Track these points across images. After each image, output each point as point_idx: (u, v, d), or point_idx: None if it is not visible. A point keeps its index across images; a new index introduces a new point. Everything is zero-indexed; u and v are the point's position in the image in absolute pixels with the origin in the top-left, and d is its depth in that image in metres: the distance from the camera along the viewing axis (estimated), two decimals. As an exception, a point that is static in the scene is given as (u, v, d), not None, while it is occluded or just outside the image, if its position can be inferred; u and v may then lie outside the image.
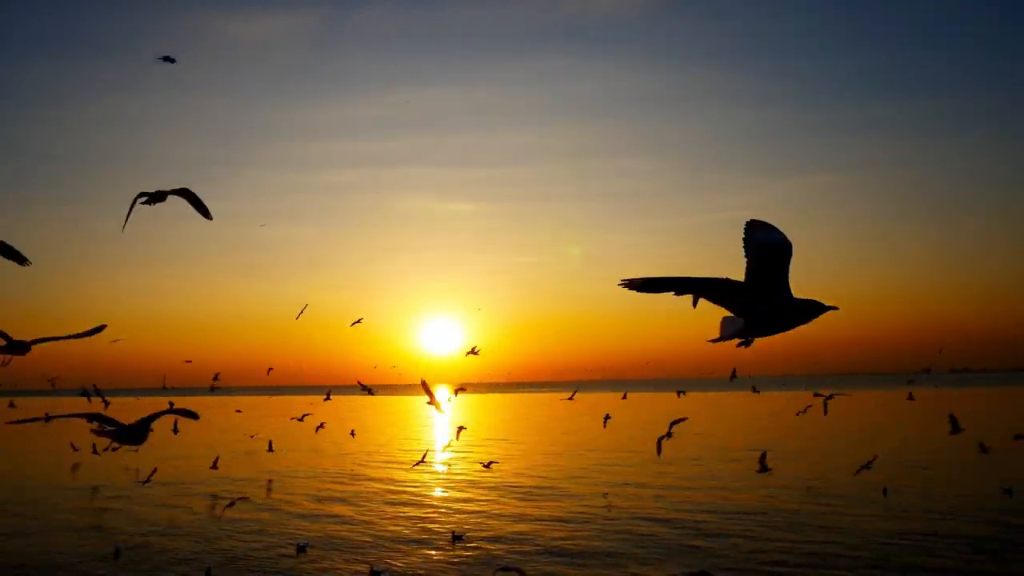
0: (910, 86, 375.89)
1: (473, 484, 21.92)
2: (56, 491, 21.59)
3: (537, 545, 14.08)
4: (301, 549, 13.53)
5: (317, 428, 30.23)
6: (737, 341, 3.56)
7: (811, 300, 3.41)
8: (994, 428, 31.10)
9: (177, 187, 5.62)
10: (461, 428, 26.06)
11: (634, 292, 3.13)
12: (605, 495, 19.16)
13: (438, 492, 21.02)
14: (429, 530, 15.65)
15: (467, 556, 13.43)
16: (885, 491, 17.95)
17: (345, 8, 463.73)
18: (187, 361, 20.69)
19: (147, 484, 19.28)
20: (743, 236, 3.55)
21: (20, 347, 5.67)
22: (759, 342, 3.60)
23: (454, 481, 23.08)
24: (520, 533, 15.12)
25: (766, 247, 3.46)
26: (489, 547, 13.97)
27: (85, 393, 17.96)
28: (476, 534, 15.05)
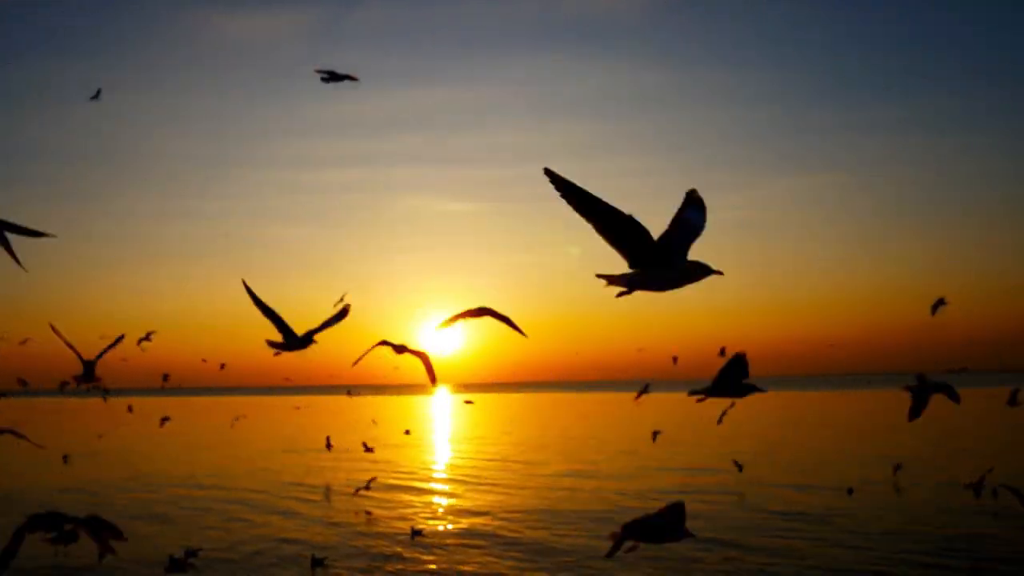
0: (911, 85, 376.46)
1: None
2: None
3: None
4: (191, 554, 13.01)
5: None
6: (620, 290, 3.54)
7: (700, 262, 3.47)
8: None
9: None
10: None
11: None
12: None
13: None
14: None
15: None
16: (850, 491, 18.18)
17: (344, 7, 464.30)
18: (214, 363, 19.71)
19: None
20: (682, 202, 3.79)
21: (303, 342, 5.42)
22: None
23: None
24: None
25: (689, 225, 3.66)
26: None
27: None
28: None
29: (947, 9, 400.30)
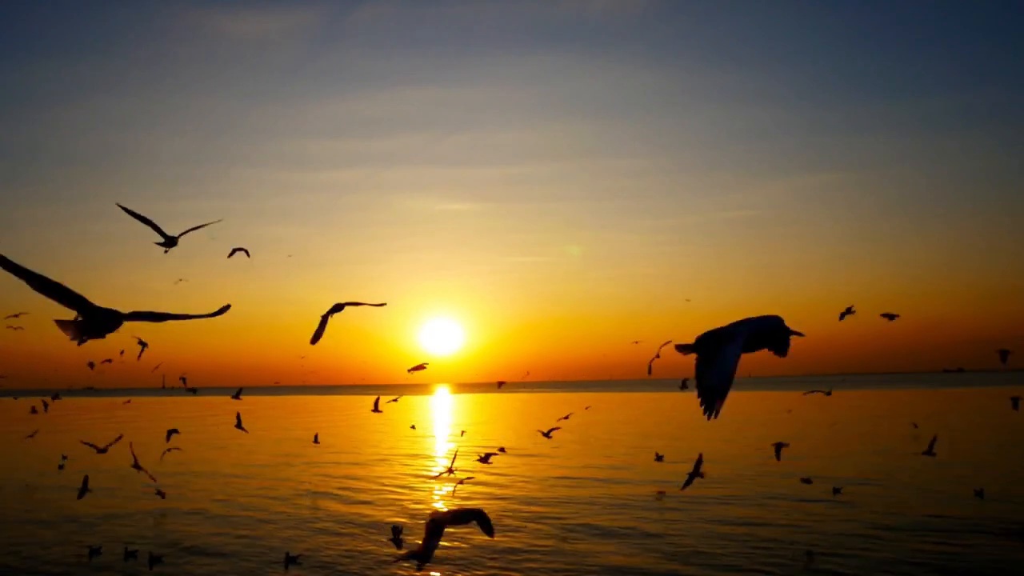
0: (911, 84, 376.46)
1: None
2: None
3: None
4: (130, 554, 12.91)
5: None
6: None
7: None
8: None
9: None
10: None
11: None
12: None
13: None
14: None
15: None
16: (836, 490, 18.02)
17: (344, 6, 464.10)
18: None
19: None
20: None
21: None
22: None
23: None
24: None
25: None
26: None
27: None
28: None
29: (947, 9, 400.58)
